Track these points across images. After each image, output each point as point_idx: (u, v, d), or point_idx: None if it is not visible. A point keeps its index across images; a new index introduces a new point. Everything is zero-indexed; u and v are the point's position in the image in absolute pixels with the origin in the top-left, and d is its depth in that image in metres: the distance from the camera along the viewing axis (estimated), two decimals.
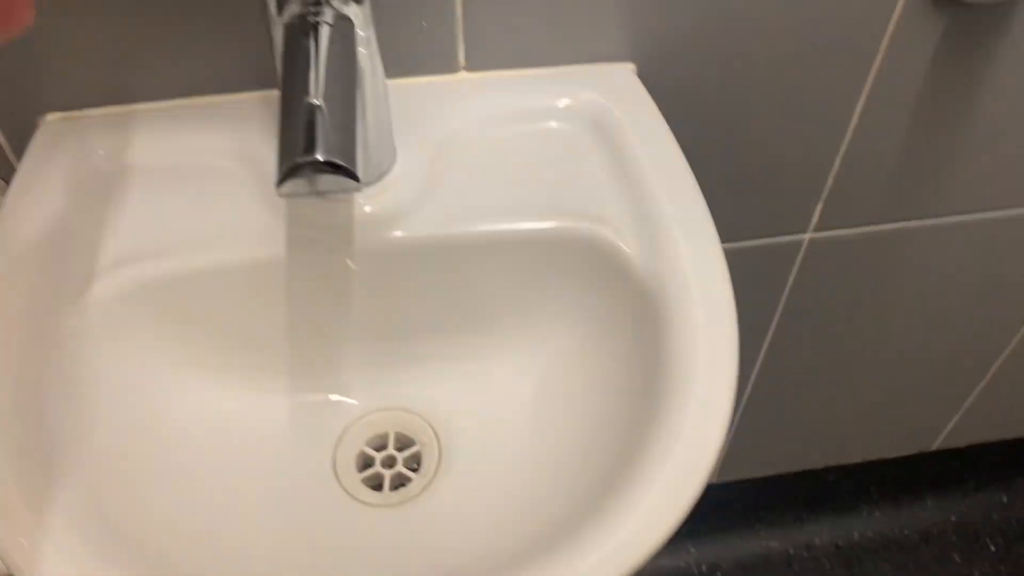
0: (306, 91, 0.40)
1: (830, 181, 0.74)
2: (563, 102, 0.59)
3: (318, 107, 0.39)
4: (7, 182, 0.58)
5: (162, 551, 0.46)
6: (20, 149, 0.56)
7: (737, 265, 0.81)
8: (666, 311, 0.49)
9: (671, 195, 0.54)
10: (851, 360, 0.99)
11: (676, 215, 0.53)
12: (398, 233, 0.53)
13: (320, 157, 0.37)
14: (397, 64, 0.58)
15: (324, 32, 0.42)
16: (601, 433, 0.51)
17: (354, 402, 0.58)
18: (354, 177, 0.38)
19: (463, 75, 0.60)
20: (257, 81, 0.57)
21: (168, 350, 0.53)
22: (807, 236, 0.79)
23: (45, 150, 0.55)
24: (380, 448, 0.57)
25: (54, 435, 0.45)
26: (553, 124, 0.58)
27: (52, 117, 0.56)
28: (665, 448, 0.44)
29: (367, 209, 0.52)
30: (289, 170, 0.38)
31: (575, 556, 0.40)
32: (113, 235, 0.52)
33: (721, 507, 1.23)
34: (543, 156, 0.56)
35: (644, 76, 0.61)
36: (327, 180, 0.39)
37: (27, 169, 0.54)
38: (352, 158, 0.38)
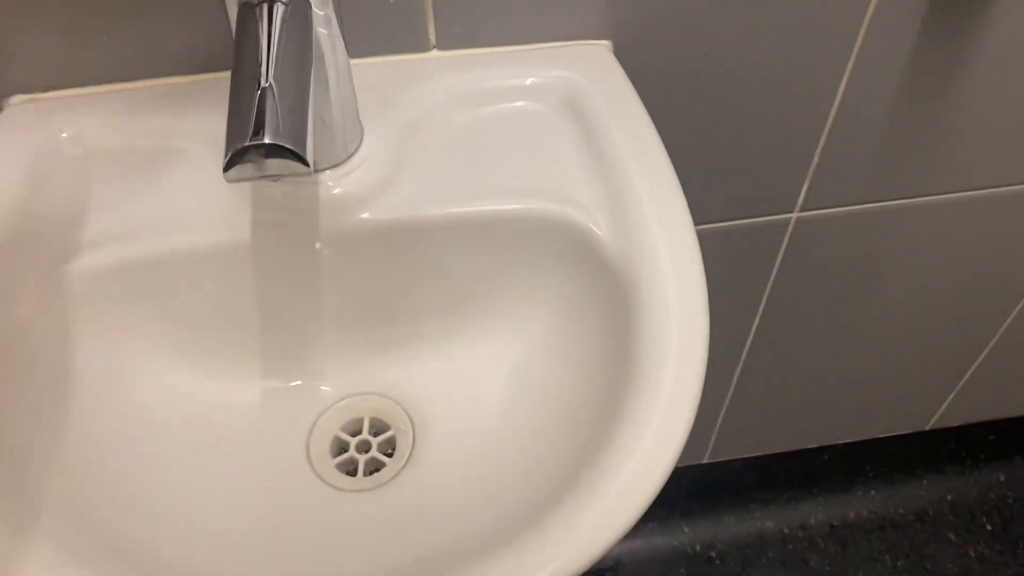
0: (256, 72, 0.39)
1: (816, 159, 0.73)
2: (536, 81, 0.58)
3: (268, 89, 0.38)
4: None
5: (135, 540, 0.46)
6: None
7: (724, 245, 0.80)
8: (637, 294, 0.48)
9: (644, 176, 0.53)
10: (844, 339, 0.98)
11: (648, 197, 0.52)
12: (366, 215, 0.52)
13: (267, 140, 0.37)
14: (366, 43, 0.57)
15: (278, 11, 0.41)
16: (572, 418, 0.51)
17: (328, 388, 0.57)
18: (303, 161, 0.37)
19: (434, 54, 0.59)
20: (224, 62, 0.56)
21: (136, 336, 0.52)
22: (794, 215, 0.78)
23: (9, 133, 0.54)
24: (355, 433, 0.56)
25: (16, 425, 0.45)
26: (525, 104, 0.57)
27: (17, 100, 0.56)
28: (633, 436, 0.43)
29: (335, 191, 0.52)
30: (235, 154, 0.37)
31: (544, 542, 0.40)
32: (78, 219, 0.51)
33: (715, 487, 1.23)
34: (515, 136, 0.56)
35: (620, 54, 0.60)
36: (275, 164, 0.38)
37: None
38: (301, 141, 0.37)
